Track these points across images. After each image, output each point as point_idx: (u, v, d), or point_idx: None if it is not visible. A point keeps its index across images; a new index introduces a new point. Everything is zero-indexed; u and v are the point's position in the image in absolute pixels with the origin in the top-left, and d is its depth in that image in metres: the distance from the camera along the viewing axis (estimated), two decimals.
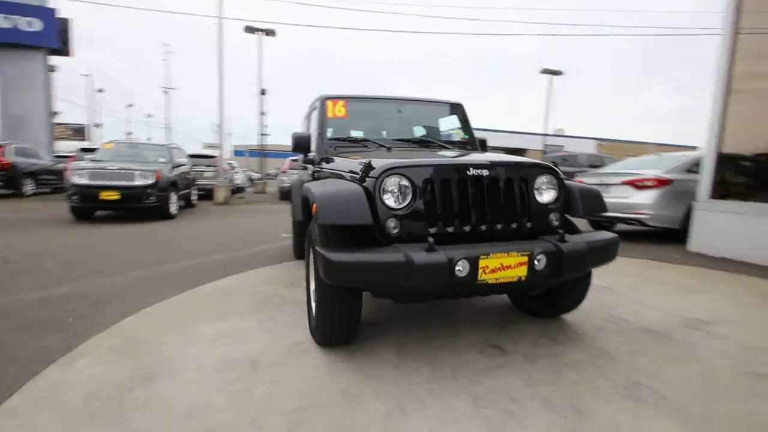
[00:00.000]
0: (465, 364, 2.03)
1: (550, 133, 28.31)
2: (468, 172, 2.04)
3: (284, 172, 12.15)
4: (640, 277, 3.74)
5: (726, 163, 5.05)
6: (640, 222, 5.74)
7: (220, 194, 10.78)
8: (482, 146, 3.56)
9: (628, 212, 5.76)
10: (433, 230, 1.97)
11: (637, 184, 5.78)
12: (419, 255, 1.73)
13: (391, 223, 1.92)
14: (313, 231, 2.11)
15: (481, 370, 1.98)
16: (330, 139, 3.07)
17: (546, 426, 1.55)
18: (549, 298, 2.54)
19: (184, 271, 3.80)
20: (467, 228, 2.02)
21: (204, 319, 2.59)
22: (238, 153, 52.62)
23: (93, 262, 4.14)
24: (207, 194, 11.34)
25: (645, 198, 5.64)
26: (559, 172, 2.28)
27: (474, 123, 3.71)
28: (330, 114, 3.14)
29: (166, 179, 7.13)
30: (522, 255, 1.88)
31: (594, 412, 1.64)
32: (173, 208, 7.55)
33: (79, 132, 35.34)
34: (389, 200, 1.94)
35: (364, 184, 2.00)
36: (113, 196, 6.55)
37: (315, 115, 3.56)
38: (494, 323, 2.57)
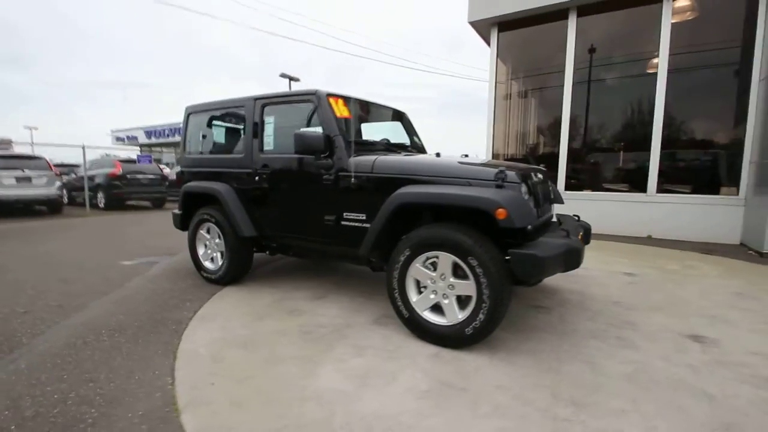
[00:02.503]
0: (550, 325, 2.65)
1: None
2: (537, 176, 2.65)
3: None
4: None
5: None
6: None
7: None
8: None
9: None
10: (535, 223, 2.48)
11: None
12: (573, 242, 2.23)
13: None
14: (461, 240, 2.13)
15: (561, 323, 2.66)
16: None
17: (640, 336, 2.44)
18: None
19: (85, 333, 2.38)
20: (541, 219, 2.64)
21: (295, 374, 1.98)
22: None
23: None
24: None
25: None
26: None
27: None
28: (338, 113, 2.84)
29: None
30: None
31: (638, 322, 2.67)
32: None
33: None
34: None
35: (504, 188, 2.24)
36: None
37: (289, 111, 3.06)
38: None
